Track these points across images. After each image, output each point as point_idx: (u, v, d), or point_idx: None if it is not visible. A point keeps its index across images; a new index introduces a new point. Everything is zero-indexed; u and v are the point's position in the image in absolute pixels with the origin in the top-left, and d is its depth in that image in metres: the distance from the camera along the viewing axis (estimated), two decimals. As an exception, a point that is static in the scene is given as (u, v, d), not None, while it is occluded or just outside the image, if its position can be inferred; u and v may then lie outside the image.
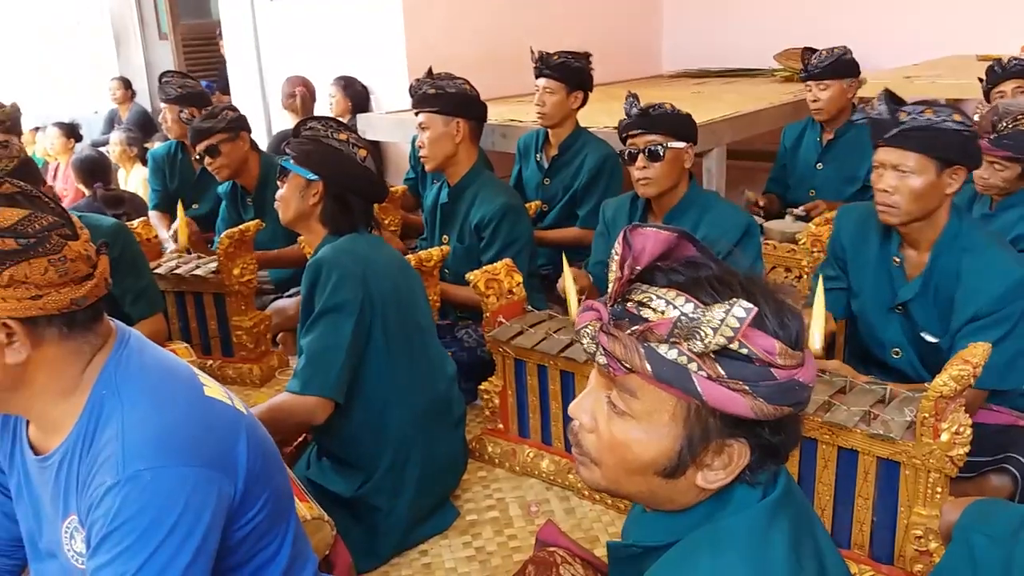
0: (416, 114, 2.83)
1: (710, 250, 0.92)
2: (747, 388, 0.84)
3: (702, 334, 0.82)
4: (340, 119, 2.81)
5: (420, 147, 2.82)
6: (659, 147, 2.36)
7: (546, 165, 3.50)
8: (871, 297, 2.15)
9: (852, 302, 2.21)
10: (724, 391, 0.84)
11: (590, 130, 3.53)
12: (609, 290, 0.91)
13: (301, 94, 4.64)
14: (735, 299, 0.83)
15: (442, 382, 2.10)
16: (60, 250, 1.09)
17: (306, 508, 1.60)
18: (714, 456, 0.89)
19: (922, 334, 2.06)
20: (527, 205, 3.31)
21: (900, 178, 1.93)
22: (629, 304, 0.89)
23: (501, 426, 2.48)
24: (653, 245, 0.89)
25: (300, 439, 2.14)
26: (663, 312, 0.86)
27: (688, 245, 0.92)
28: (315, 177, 1.96)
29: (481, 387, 2.48)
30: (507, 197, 2.80)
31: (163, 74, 3.96)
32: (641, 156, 2.38)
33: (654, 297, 0.87)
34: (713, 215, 2.43)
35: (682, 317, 0.84)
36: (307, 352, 1.87)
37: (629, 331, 0.87)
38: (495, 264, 2.46)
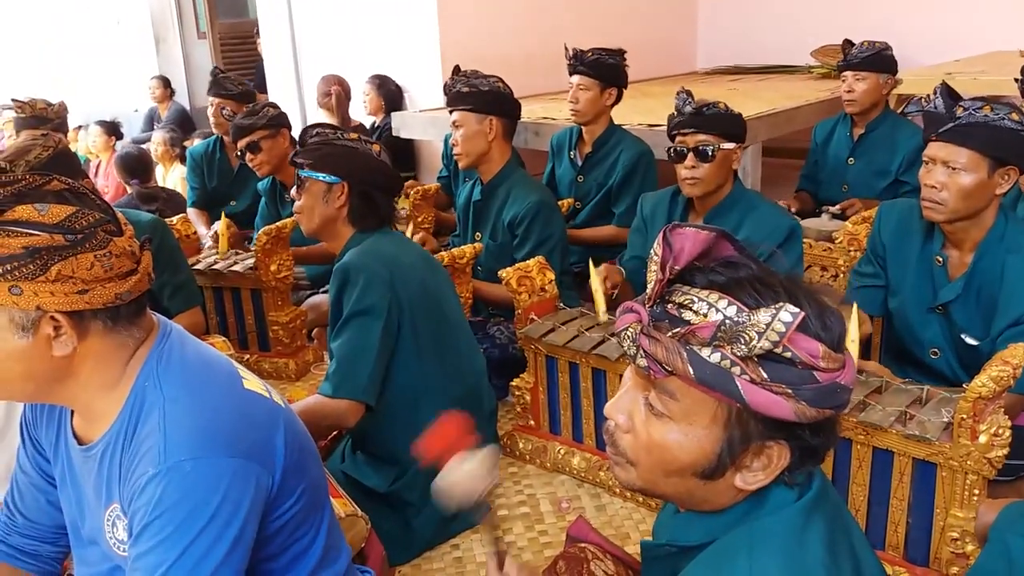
0: (450, 112, 2.85)
1: (748, 250, 0.91)
2: (790, 392, 0.83)
3: (747, 338, 0.82)
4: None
5: (454, 145, 2.84)
6: (709, 147, 2.32)
7: (580, 162, 3.49)
8: (911, 296, 2.11)
9: (890, 300, 2.18)
10: (767, 395, 0.84)
11: (624, 128, 3.52)
12: (648, 291, 0.90)
13: (336, 93, 4.69)
14: (781, 303, 0.82)
15: (472, 377, 2.12)
16: (106, 246, 1.12)
17: (340, 505, 1.62)
18: (753, 458, 0.89)
19: (962, 336, 2.03)
20: (560, 203, 3.31)
21: (950, 175, 1.88)
22: (669, 306, 0.88)
23: (532, 422, 2.48)
24: (692, 245, 0.88)
25: (335, 433, 2.17)
26: (705, 315, 0.85)
27: (727, 245, 0.91)
28: (336, 180, 1.97)
29: (513, 384, 2.49)
30: (540, 195, 2.81)
31: (216, 70, 4.03)
32: (691, 155, 2.34)
33: (695, 299, 0.86)
34: (757, 216, 2.39)
35: (726, 320, 0.83)
36: (337, 356, 1.89)
37: (670, 333, 0.86)
38: (527, 262, 2.47)
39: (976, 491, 1.71)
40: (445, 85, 2.96)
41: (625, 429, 0.95)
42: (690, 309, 0.86)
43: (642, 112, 3.96)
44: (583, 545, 1.42)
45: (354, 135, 2.06)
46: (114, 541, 1.24)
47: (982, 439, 1.67)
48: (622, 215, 3.27)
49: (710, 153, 2.32)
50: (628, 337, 0.90)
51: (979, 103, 1.86)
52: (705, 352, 0.84)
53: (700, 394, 0.87)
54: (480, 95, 2.78)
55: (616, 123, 3.47)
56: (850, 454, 1.86)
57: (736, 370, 0.83)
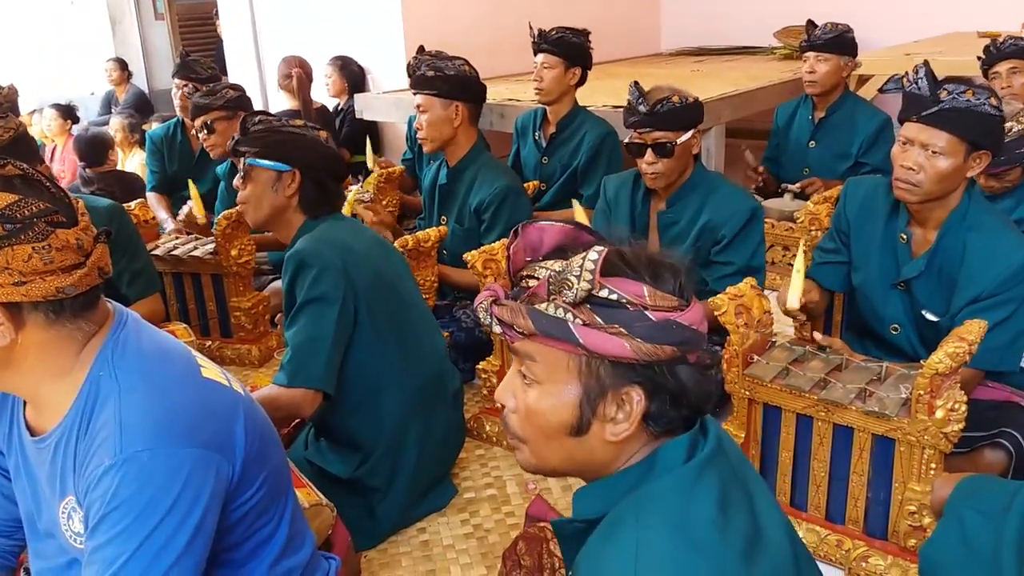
0: (414, 94, 2.82)
1: (606, 239, 0.99)
2: (623, 331, 0.90)
3: (569, 282, 0.91)
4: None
5: (418, 129, 2.80)
6: (668, 143, 2.31)
7: (544, 144, 3.49)
8: (874, 272, 2.14)
9: (854, 276, 2.20)
10: (602, 335, 0.91)
11: (589, 109, 3.52)
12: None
13: (298, 75, 4.62)
14: (592, 248, 0.91)
15: (434, 360, 2.10)
16: (46, 238, 1.09)
17: (304, 495, 1.61)
18: (616, 408, 0.94)
19: (923, 312, 2.06)
20: (525, 185, 3.30)
21: (928, 157, 1.89)
22: (522, 282, 0.98)
23: (499, 405, 2.48)
24: (550, 237, 0.99)
25: (297, 420, 2.15)
26: (542, 277, 0.95)
27: (589, 237, 0.99)
28: (287, 167, 1.94)
29: (479, 367, 2.49)
30: (507, 179, 2.79)
31: (185, 52, 3.96)
32: (649, 152, 2.34)
33: (537, 268, 0.96)
34: (718, 198, 2.40)
35: (551, 273, 0.93)
36: (292, 344, 1.86)
37: (520, 300, 0.96)
38: (493, 244, 2.46)
39: (933, 465, 1.75)
40: (408, 66, 2.92)
41: (512, 409, 1.01)
42: (533, 277, 0.96)
43: (606, 93, 3.96)
44: (542, 524, 1.43)
45: (299, 121, 2.03)
46: (70, 534, 1.22)
47: (939, 414, 1.70)
48: (590, 197, 3.27)
49: (668, 148, 2.32)
50: (483, 309, 0.99)
51: (962, 87, 1.85)
52: (543, 306, 0.93)
53: (552, 350, 0.94)
54: (446, 79, 2.73)
55: (580, 104, 3.47)
56: (811, 431, 1.88)
57: (570, 316, 0.91)
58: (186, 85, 3.70)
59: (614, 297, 0.91)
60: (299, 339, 1.86)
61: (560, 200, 3.42)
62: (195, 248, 3.04)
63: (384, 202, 3.61)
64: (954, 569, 1.02)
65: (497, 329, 0.98)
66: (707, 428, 0.99)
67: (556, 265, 0.94)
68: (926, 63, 1.92)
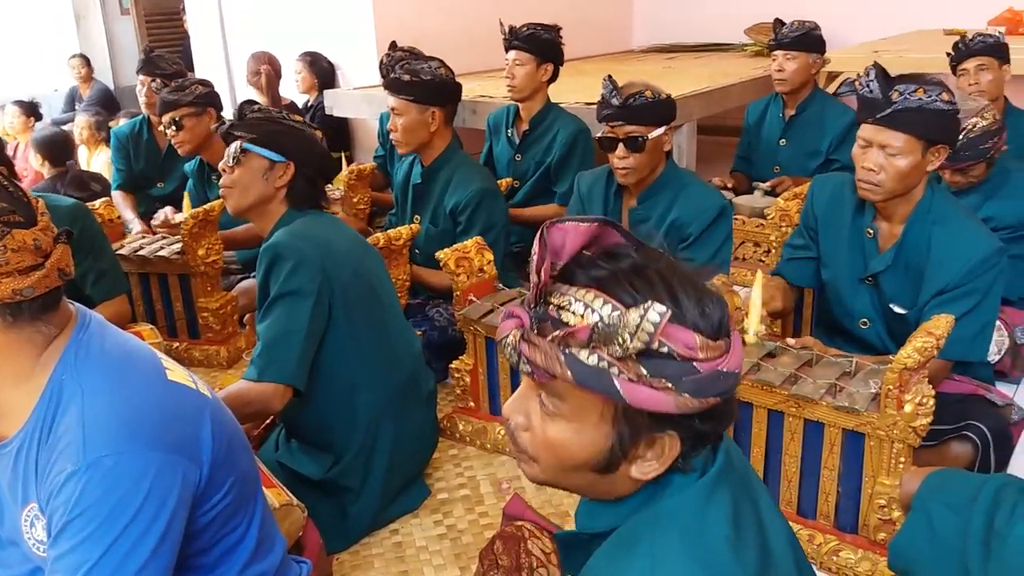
0: (388, 95, 2.76)
1: (633, 236, 0.92)
2: (670, 385, 0.83)
3: (620, 339, 0.82)
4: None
5: (392, 131, 2.75)
6: (640, 138, 2.32)
7: (517, 141, 3.48)
8: (842, 268, 2.17)
9: (823, 272, 2.23)
10: (647, 391, 0.84)
11: (561, 106, 3.51)
12: (529, 293, 0.91)
13: (266, 72, 4.56)
14: (651, 302, 0.82)
15: (408, 360, 2.09)
16: (1, 238, 1.06)
17: (274, 495, 1.59)
18: (646, 449, 0.89)
19: (891, 305, 2.09)
20: (498, 182, 3.29)
21: (887, 157, 1.92)
22: (550, 307, 0.88)
23: (472, 404, 2.48)
24: (573, 239, 0.88)
25: (268, 421, 2.12)
26: (582, 316, 0.85)
27: (612, 232, 0.91)
28: (282, 159, 1.93)
29: (452, 366, 2.48)
30: (483, 182, 2.76)
31: (149, 48, 3.89)
32: (621, 146, 2.35)
33: (573, 300, 0.86)
34: (688, 195, 2.42)
35: (600, 322, 0.83)
36: (263, 338, 1.83)
37: (550, 338, 0.86)
38: (466, 242, 2.45)
39: (902, 459, 1.77)
40: (382, 64, 2.89)
41: (524, 428, 0.95)
42: (568, 310, 0.86)
43: (579, 90, 3.95)
44: (520, 523, 1.42)
45: (298, 117, 2.02)
46: (33, 542, 1.19)
47: (907, 408, 1.72)
48: (564, 194, 3.27)
49: (640, 143, 2.33)
50: (509, 344, 0.89)
51: (912, 86, 1.88)
52: (583, 354, 0.84)
53: (585, 394, 0.87)
54: (423, 85, 2.68)
55: (553, 101, 3.47)
56: (782, 426, 1.89)
57: (614, 370, 0.83)
58: (153, 81, 3.64)
59: (664, 350, 0.83)
60: (271, 333, 1.83)
61: (533, 197, 3.42)
62: (161, 248, 2.99)
63: (355, 199, 3.59)
64: (922, 561, 1.03)
65: (525, 369, 0.89)
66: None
67: (597, 303, 0.84)
68: (876, 65, 1.94)
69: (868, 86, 1.91)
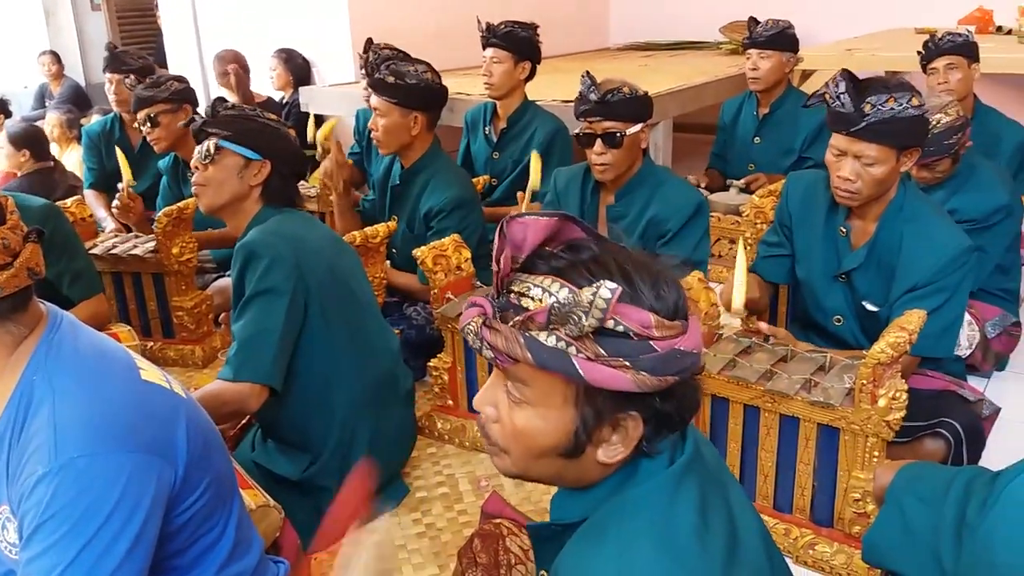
0: (370, 92, 2.71)
1: (593, 230, 0.94)
2: (627, 364, 0.86)
3: (576, 317, 0.84)
4: None
5: (373, 129, 2.71)
6: (617, 134, 2.33)
7: (495, 139, 3.48)
8: (816, 265, 2.19)
9: (797, 269, 2.25)
10: (605, 370, 0.86)
11: (538, 104, 3.52)
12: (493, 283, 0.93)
13: (234, 70, 4.51)
14: (603, 280, 0.85)
15: (386, 358, 2.08)
16: None
17: (250, 496, 1.58)
18: (611, 432, 0.92)
19: (864, 303, 2.11)
20: (475, 180, 3.29)
21: (862, 167, 1.94)
22: (512, 296, 0.91)
23: (451, 402, 2.47)
24: (534, 233, 0.91)
25: (244, 421, 2.11)
26: (541, 300, 0.88)
27: (574, 227, 0.93)
28: (258, 156, 1.91)
29: (430, 364, 2.47)
30: (459, 189, 2.73)
31: (111, 45, 3.84)
32: (599, 142, 2.36)
33: (532, 286, 0.89)
34: (665, 192, 2.43)
35: (556, 303, 0.86)
36: (239, 337, 1.82)
37: (511, 323, 0.89)
38: (443, 240, 2.44)
39: (876, 453, 1.79)
40: (367, 61, 2.84)
41: (494, 419, 0.97)
42: (528, 296, 0.89)
43: (556, 88, 3.96)
44: (498, 521, 1.42)
45: (272, 115, 2.01)
46: (5, 544, 1.17)
47: (881, 403, 1.74)
48: (543, 193, 3.27)
49: (618, 139, 2.34)
50: (471, 331, 0.92)
51: (883, 96, 1.89)
52: (543, 336, 0.87)
53: (547, 377, 0.89)
54: (407, 89, 2.64)
55: (530, 99, 3.47)
56: (758, 421, 1.91)
57: (572, 350, 0.86)
58: (126, 78, 3.59)
59: (620, 329, 0.86)
60: (247, 332, 1.81)
61: (511, 195, 3.42)
62: (135, 247, 2.96)
63: (331, 197, 3.56)
64: (895, 554, 1.04)
65: (488, 354, 0.92)
66: (685, 432, 0.98)
67: (555, 287, 0.87)
68: (845, 74, 1.94)
69: (839, 98, 1.92)
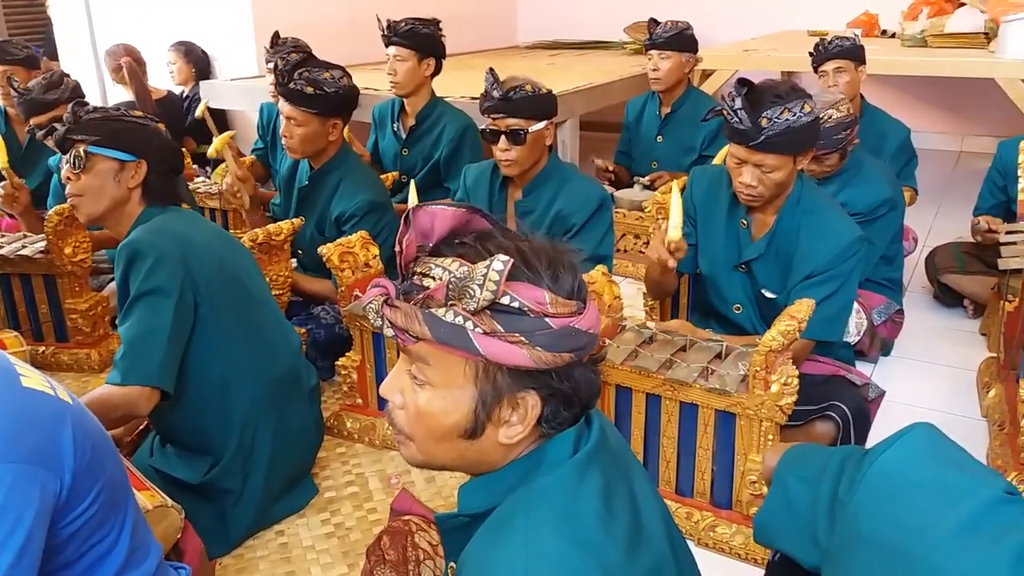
0: (282, 98, 2.62)
1: (499, 222, 0.97)
2: (524, 339, 0.88)
3: (471, 291, 0.87)
4: None
5: (286, 137, 2.62)
6: (521, 131, 2.37)
7: (403, 135, 3.46)
8: (718, 256, 2.27)
9: (700, 259, 2.33)
10: (502, 344, 0.89)
11: (447, 100, 3.51)
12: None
13: (127, 64, 4.33)
14: (496, 255, 0.88)
15: (287, 355, 2.04)
16: None
17: (147, 497, 1.53)
18: (511, 411, 0.93)
19: (762, 291, 2.20)
20: (384, 176, 3.26)
21: (762, 173, 2.03)
22: (415, 277, 0.93)
23: (360, 401, 2.45)
24: (442, 222, 0.93)
25: (142, 427, 2.04)
26: (440, 279, 0.90)
27: (481, 220, 0.96)
28: (132, 157, 1.84)
29: (339, 363, 2.44)
30: (371, 193, 2.68)
31: None
32: (503, 139, 2.39)
33: (433, 266, 0.92)
34: (570, 188, 2.48)
35: (453, 278, 0.89)
36: (125, 339, 1.75)
37: (413, 301, 0.91)
38: (350, 237, 2.41)
39: (770, 437, 1.87)
40: (276, 67, 2.73)
41: (400, 406, 0.99)
42: (429, 276, 0.91)
43: (464, 84, 3.97)
44: (407, 518, 1.42)
45: (137, 112, 1.93)
46: None
47: (774, 388, 1.82)
48: (456, 190, 3.26)
49: (522, 136, 2.38)
50: (373, 310, 0.94)
51: (778, 108, 1.96)
52: (441, 312, 0.89)
53: (447, 355, 0.91)
54: (326, 99, 2.57)
55: (439, 95, 3.46)
56: (659, 409, 1.97)
57: (469, 325, 0.88)
58: (9, 72, 3.40)
59: (515, 305, 0.88)
60: (133, 334, 1.74)
61: (422, 192, 3.38)
62: (23, 247, 2.81)
63: (236, 192, 3.47)
64: (780, 533, 1.09)
65: (389, 332, 0.94)
66: (591, 419, 1.00)
67: (454, 266, 0.90)
68: (741, 87, 1.99)
69: (736, 114, 1.98)
